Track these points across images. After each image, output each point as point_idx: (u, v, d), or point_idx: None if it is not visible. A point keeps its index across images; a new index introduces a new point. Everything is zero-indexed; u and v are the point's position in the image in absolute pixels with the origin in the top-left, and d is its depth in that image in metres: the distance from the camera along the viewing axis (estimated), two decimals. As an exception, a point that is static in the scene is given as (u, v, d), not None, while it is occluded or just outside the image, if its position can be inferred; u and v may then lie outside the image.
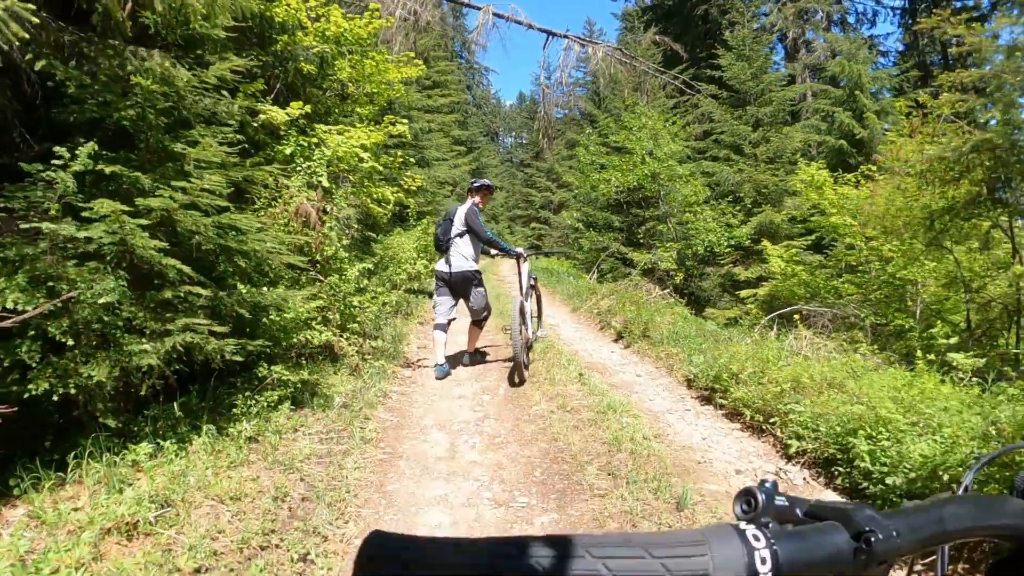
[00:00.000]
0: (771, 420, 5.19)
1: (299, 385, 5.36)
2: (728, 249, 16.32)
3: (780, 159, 18.70)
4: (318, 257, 6.88)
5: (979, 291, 9.36)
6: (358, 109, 9.50)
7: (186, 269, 4.28)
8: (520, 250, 6.97)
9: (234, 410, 4.87)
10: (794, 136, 18.75)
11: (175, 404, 4.43)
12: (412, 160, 9.72)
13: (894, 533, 0.51)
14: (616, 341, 9.25)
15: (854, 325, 11.09)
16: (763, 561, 0.45)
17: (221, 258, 5.13)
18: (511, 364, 6.79)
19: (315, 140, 7.38)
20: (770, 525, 0.51)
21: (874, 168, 13.70)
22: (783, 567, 0.46)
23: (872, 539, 0.49)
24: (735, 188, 18.50)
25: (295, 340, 5.64)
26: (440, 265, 6.75)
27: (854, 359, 6.46)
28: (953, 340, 7.21)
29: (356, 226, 17.02)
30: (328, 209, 7.09)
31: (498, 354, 8.17)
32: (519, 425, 5.34)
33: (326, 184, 7.26)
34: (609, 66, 21.29)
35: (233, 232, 5.01)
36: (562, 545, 0.43)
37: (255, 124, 6.61)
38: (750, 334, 8.63)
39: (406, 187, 9.46)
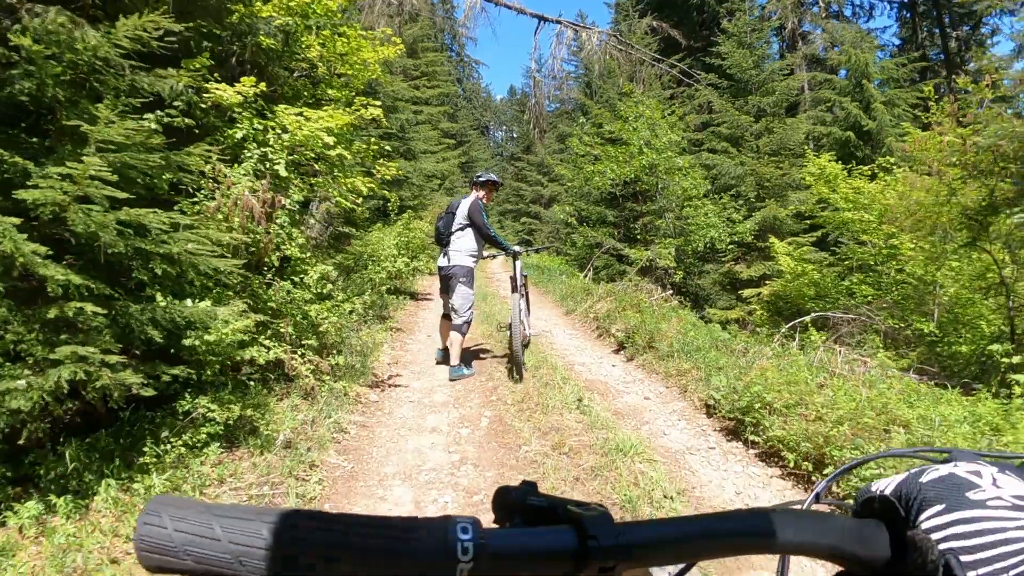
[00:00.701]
0: (825, 471, 4.04)
1: (233, 421, 4.20)
2: (731, 246, 15.18)
3: (784, 151, 17.58)
4: (272, 259, 5.72)
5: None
6: (331, 92, 8.33)
7: (76, 279, 3.24)
8: (517, 248, 6.74)
9: (143, 458, 3.73)
10: (799, 127, 17.63)
11: (67, 452, 3.46)
12: (388, 148, 8.51)
13: (620, 540, 0.49)
14: (617, 352, 8.10)
15: (868, 328, 10.01)
16: (464, 551, 0.45)
17: (136, 264, 3.98)
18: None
19: (272, 124, 6.21)
20: (517, 522, 0.53)
21: (891, 160, 12.66)
22: (486, 558, 0.46)
23: (590, 543, 0.48)
24: (736, 181, 17.38)
25: (232, 361, 4.49)
26: (441, 260, 6.54)
27: (907, 383, 5.37)
28: (1017, 359, 6.04)
29: (334, 222, 15.82)
30: (283, 202, 5.89)
31: (483, 366, 7.04)
32: (504, 474, 4.18)
33: (283, 173, 6.10)
34: (605, 51, 20.17)
35: (159, 232, 3.90)
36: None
37: (203, 105, 5.46)
38: (768, 344, 7.50)
39: (380, 177, 8.27)
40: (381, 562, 0.44)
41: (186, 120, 4.53)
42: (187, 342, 3.99)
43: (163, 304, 3.92)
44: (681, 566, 0.67)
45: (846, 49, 18.63)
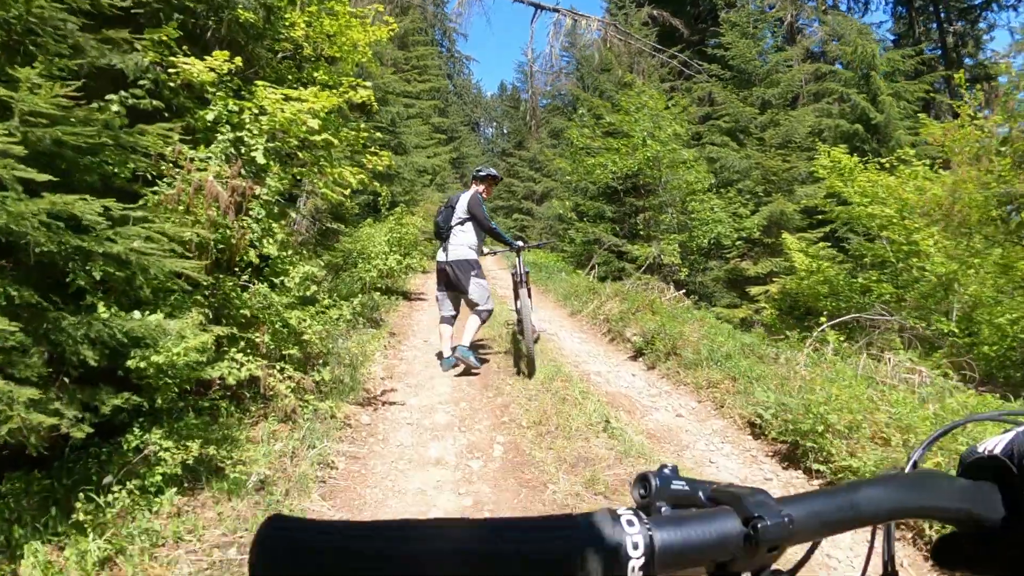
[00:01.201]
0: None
1: (192, 460, 3.37)
2: (738, 242, 14.39)
3: (791, 144, 16.81)
4: (248, 257, 4.89)
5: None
6: (317, 75, 7.50)
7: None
8: (520, 243, 6.66)
9: (76, 515, 2.93)
10: (805, 119, 16.85)
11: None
12: (379, 135, 7.66)
13: (785, 519, 0.48)
14: (635, 359, 7.29)
15: (890, 329, 9.32)
16: (635, 547, 0.43)
17: (73, 266, 3.16)
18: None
19: (250, 105, 5.39)
20: (663, 510, 0.50)
21: (911, 152, 11.94)
22: (659, 552, 0.44)
23: (759, 525, 0.47)
24: (740, 175, 16.59)
25: (195, 382, 3.68)
26: (439, 255, 6.36)
27: (970, 395, 4.61)
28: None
29: (323, 217, 14.97)
30: (257, 192, 5.05)
31: (488, 374, 6.23)
32: (530, 523, 3.35)
33: (260, 159, 5.28)
34: (605, 39, 19.36)
35: (103, 227, 3.10)
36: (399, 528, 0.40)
37: (172, 84, 4.65)
38: (800, 348, 6.69)
39: (371, 167, 7.41)
40: (543, 567, 0.40)
41: (153, 102, 3.90)
42: (131, 363, 3.15)
43: (104, 317, 3.09)
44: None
45: (853, 39, 17.88)
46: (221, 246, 4.53)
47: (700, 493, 0.52)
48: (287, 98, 5.82)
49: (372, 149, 7.48)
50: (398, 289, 11.92)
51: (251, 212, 4.87)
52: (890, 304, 11.09)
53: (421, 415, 5.18)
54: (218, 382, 4.10)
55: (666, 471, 0.52)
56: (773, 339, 8.81)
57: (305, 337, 5.08)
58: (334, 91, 6.93)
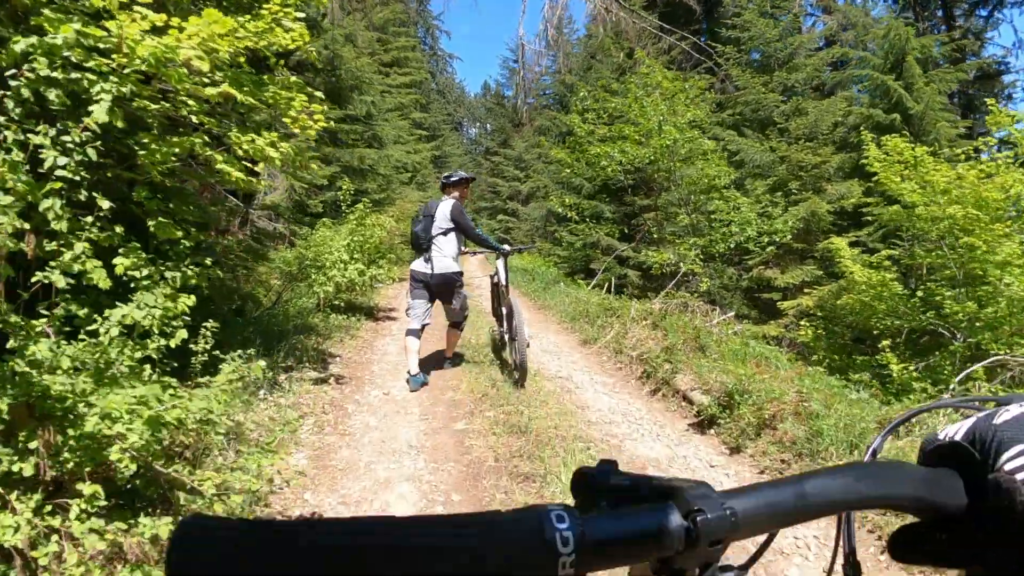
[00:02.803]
0: None
1: None
2: (770, 247, 11.88)
3: (817, 136, 14.40)
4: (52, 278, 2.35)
5: None
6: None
7: None
8: (507, 248, 6.15)
9: None
10: (835, 107, 14.42)
11: None
12: (320, 94, 5.04)
13: (727, 511, 0.46)
14: (701, 430, 4.74)
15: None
16: (565, 542, 0.40)
17: None
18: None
19: (93, 33, 2.87)
20: (603, 505, 0.48)
21: (992, 142, 9.71)
22: (591, 547, 0.41)
23: (699, 518, 0.45)
24: (763, 170, 14.15)
25: None
26: (419, 265, 5.76)
27: None
28: None
29: (284, 214, 12.35)
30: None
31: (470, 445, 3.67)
32: None
33: (103, 117, 2.92)
34: (602, 15, 16.86)
35: None
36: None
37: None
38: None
39: (299, 130, 4.78)
40: (467, 562, 0.38)
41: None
42: None
43: None
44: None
45: (890, 22, 15.46)
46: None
47: (641, 489, 0.49)
48: (154, 24, 3.35)
49: (301, 100, 4.87)
50: (362, 306, 9.33)
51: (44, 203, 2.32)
52: (962, 326, 8.90)
53: None
54: None
55: (605, 465, 0.51)
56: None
57: (131, 443, 2.51)
58: (245, 19, 4.32)
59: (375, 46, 26.17)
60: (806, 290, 13.41)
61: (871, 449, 0.72)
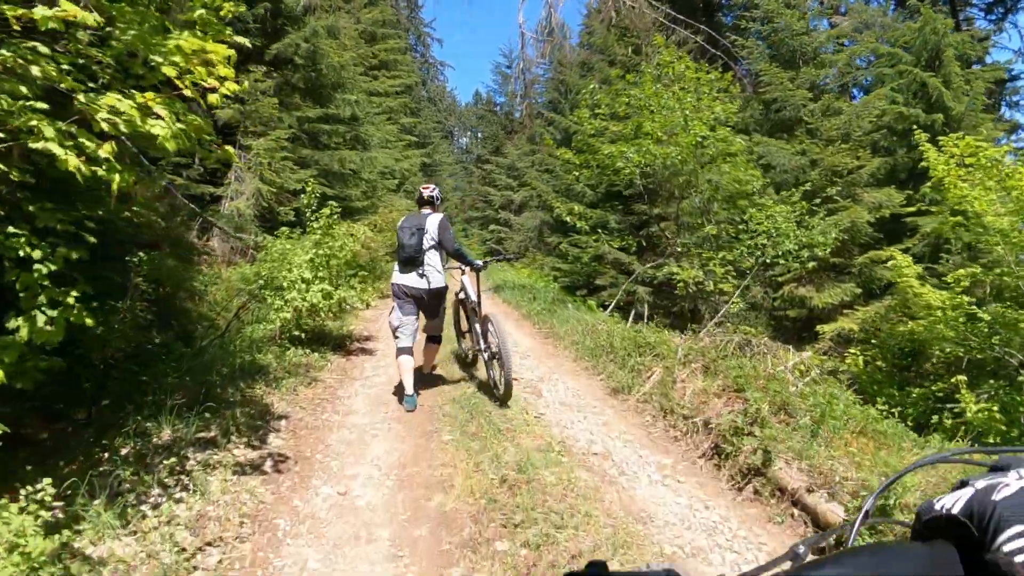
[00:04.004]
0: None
1: None
2: (811, 263, 9.99)
3: (850, 139, 12.61)
4: None
5: None
6: None
7: None
8: (480, 263, 5.71)
9: None
10: (873, 105, 12.62)
11: None
12: (243, 40, 3.13)
13: None
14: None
15: None
16: None
17: None
18: None
19: None
20: None
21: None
22: None
23: None
24: (792, 175, 12.31)
25: None
26: (411, 280, 5.41)
27: None
28: None
29: (246, 223, 10.55)
30: None
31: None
32: None
33: None
34: (608, 6, 15.04)
35: None
36: None
37: None
38: None
39: (195, 85, 2.88)
40: None
41: None
42: None
43: None
44: None
45: (926, 13, 13.64)
46: None
47: None
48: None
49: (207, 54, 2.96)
50: (330, 335, 7.40)
51: None
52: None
53: None
54: None
55: (592, 568, 0.54)
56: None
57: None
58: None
59: (364, 47, 24.33)
60: (844, 311, 11.59)
61: (864, 511, 0.75)
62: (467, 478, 3.63)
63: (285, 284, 6.38)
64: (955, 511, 0.57)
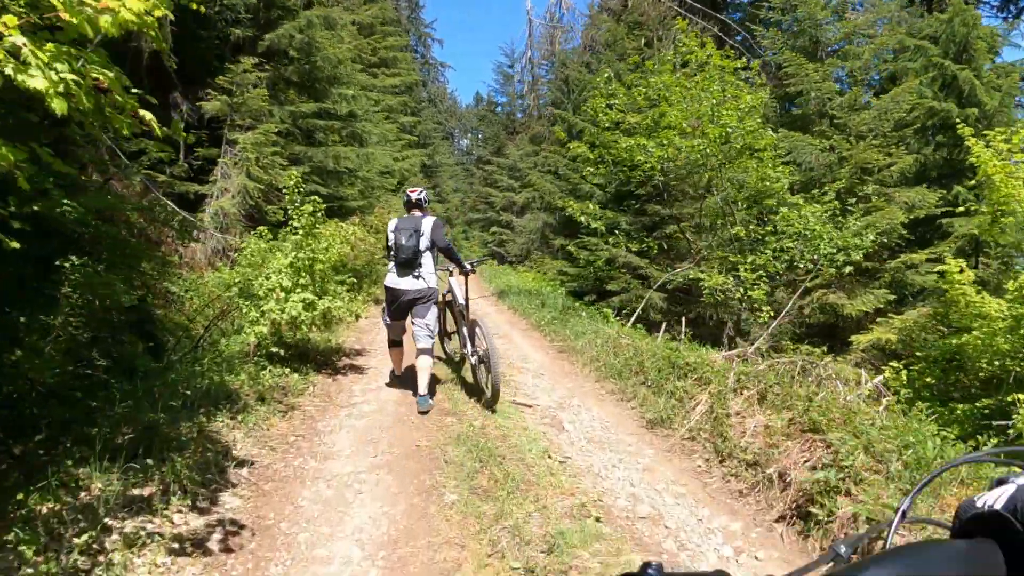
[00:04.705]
0: None
1: None
2: (847, 267, 9.00)
3: (880, 133, 11.64)
4: None
5: None
6: None
7: None
8: (469, 265, 5.67)
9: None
10: (904, 99, 11.63)
11: None
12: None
13: None
14: None
15: None
16: None
17: None
18: None
19: None
20: None
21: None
22: None
23: None
24: (820, 172, 11.33)
25: None
26: (407, 284, 5.23)
27: None
28: None
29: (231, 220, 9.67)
30: None
31: None
32: None
33: None
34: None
35: None
36: None
37: None
38: None
39: (99, 12, 1.92)
40: None
41: None
42: None
43: None
44: None
45: (955, 1, 12.66)
46: None
47: None
48: None
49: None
50: (315, 350, 6.40)
51: None
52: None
53: None
54: None
55: (650, 571, 0.51)
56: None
57: None
58: None
59: (361, 40, 23.29)
60: (878, 319, 10.58)
61: (900, 511, 0.73)
62: (480, 567, 2.64)
63: (261, 293, 5.38)
64: (998, 507, 0.56)
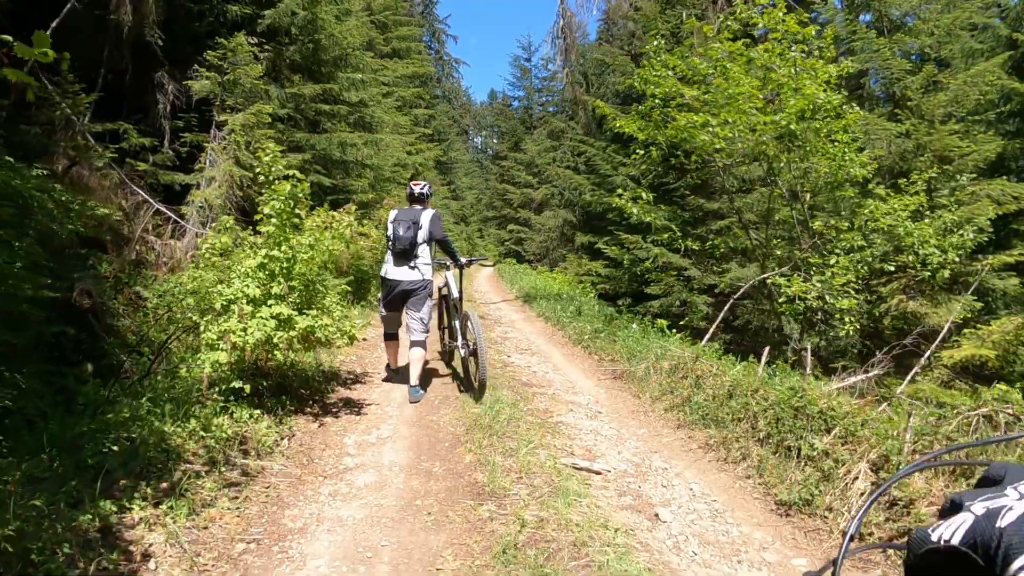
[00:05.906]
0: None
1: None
2: (941, 271, 7.34)
3: (957, 117, 9.95)
4: None
5: None
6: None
7: None
8: (464, 260, 5.75)
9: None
10: (984, 79, 9.90)
11: None
12: None
13: None
14: None
15: None
16: None
17: None
18: None
19: None
20: None
21: None
22: None
23: None
24: (891, 161, 9.65)
25: None
26: (403, 274, 5.19)
27: None
28: None
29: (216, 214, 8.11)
30: None
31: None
32: None
33: None
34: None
35: None
36: None
37: None
38: None
39: None
40: None
41: None
42: None
43: None
44: None
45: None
46: None
47: None
48: None
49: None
50: (299, 376, 4.80)
51: None
52: None
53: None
54: None
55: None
56: None
57: None
58: None
59: (374, 33, 21.69)
60: (964, 333, 8.86)
61: (848, 535, 0.68)
62: None
63: (218, 305, 3.79)
64: (955, 542, 0.51)
